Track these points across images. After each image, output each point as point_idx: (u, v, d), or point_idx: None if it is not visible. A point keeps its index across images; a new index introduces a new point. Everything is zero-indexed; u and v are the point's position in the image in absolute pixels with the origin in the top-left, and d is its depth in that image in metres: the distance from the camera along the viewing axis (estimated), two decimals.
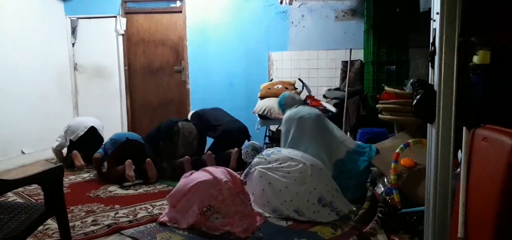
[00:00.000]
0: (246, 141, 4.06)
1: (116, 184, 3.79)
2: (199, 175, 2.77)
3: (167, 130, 4.18)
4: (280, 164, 2.94)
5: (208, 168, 2.89)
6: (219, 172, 2.75)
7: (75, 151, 4.44)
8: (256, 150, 3.42)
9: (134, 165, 3.93)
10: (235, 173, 2.82)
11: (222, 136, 4.44)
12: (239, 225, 2.54)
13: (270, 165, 2.97)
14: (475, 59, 1.97)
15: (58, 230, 1.98)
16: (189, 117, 4.98)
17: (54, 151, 4.77)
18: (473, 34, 1.71)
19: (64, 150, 4.78)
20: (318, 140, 3.28)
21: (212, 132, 4.55)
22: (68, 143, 4.63)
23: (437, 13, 1.64)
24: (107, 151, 4.00)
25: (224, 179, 2.65)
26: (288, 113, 3.54)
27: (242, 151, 3.53)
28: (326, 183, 2.86)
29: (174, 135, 4.16)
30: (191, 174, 2.88)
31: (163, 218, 2.75)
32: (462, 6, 1.60)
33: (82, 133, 4.58)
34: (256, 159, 3.12)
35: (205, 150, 4.40)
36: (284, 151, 3.06)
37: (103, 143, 4.33)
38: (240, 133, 4.55)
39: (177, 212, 2.72)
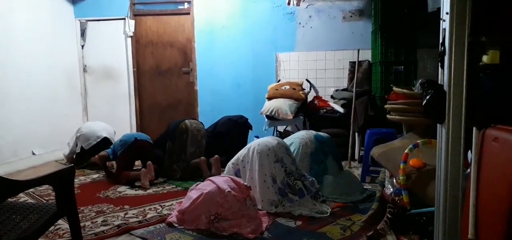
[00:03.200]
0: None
1: (125, 186, 3.82)
2: (204, 186, 2.78)
3: (174, 129, 4.13)
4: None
5: (212, 177, 2.89)
6: (222, 181, 2.75)
7: (96, 156, 4.38)
8: None
9: (143, 165, 3.94)
10: (239, 180, 2.83)
11: (222, 126, 4.49)
12: (246, 226, 2.55)
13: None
14: (485, 58, 1.95)
15: (69, 230, 1.99)
16: None
17: (67, 158, 4.79)
18: (483, 34, 1.69)
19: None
20: None
21: (212, 130, 4.58)
22: (79, 150, 4.63)
23: (447, 13, 1.64)
24: (117, 152, 4.02)
25: (227, 189, 2.64)
26: None
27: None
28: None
29: (183, 133, 4.08)
30: (196, 185, 2.91)
31: (171, 219, 2.77)
32: (472, 5, 1.59)
33: (95, 142, 4.58)
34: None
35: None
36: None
37: (113, 147, 4.30)
38: (239, 125, 4.60)
39: (185, 219, 2.73)
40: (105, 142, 4.65)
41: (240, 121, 4.66)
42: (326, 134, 3.77)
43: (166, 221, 2.77)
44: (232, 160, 3.32)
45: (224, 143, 4.43)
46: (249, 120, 4.77)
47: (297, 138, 3.57)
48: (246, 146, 3.31)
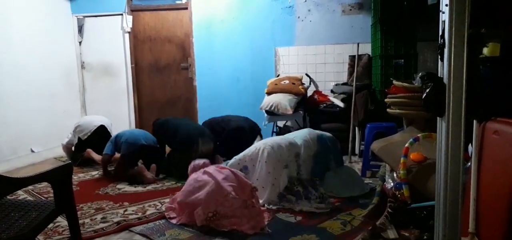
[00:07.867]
0: (258, 137, 4.01)
1: (125, 181, 3.81)
2: (204, 180, 2.72)
3: (185, 145, 3.94)
4: None
5: (211, 171, 2.77)
6: (223, 178, 2.68)
7: (88, 149, 4.51)
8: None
9: (145, 166, 3.96)
10: (241, 175, 2.80)
11: (233, 133, 4.36)
12: (246, 222, 2.54)
13: None
14: (485, 51, 1.93)
15: (68, 227, 1.99)
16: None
17: (64, 148, 4.81)
18: (483, 26, 1.68)
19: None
20: None
21: (220, 132, 4.42)
22: (76, 141, 4.66)
23: (446, 5, 1.62)
24: (119, 148, 4.00)
25: (229, 190, 2.59)
26: None
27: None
28: None
29: (192, 152, 3.83)
30: (202, 169, 2.86)
31: (167, 214, 2.81)
32: None
33: (91, 132, 4.60)
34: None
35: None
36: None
37: (113, 140, 4.20)
38: (251, 131, 4.53)
39: (184, 211, 2.73)
40: (102, 131, 4.65)
41: (250, 130, 4.53)
42: (329, 134, 3.71)
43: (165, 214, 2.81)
44: (239, 156, 3.25)
45: (230, 146, 4.23)
46: (251, 119, 4.70)
47: (301, 139, 3.49)
48: (255, 145, 3.28)
